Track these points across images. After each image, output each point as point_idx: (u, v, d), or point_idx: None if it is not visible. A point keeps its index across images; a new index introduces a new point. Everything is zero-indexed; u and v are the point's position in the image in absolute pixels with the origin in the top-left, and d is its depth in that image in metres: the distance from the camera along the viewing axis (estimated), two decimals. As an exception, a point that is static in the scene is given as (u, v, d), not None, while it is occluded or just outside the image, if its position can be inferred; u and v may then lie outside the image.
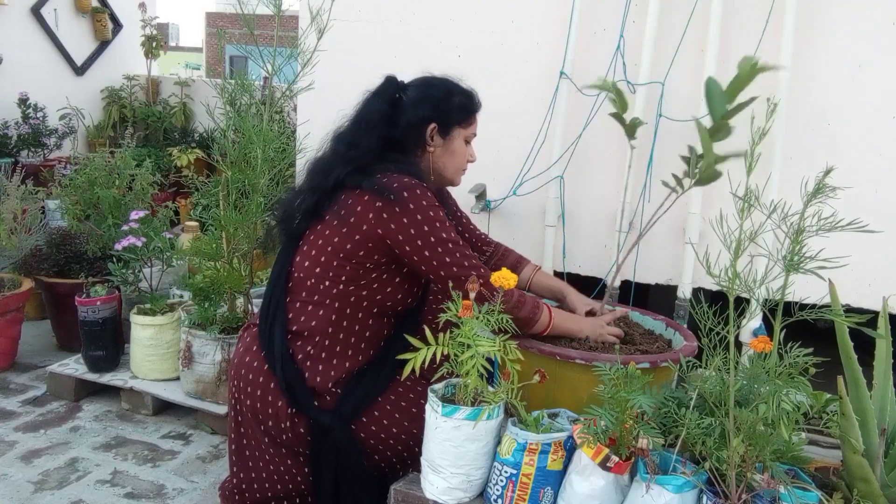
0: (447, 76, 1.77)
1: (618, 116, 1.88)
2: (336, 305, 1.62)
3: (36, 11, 4.75)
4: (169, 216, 3.12)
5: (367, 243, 1.58)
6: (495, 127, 2.61)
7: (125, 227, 2.74)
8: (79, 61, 5.08)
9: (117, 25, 5.37)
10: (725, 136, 1.57)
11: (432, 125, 1.70)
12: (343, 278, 1.61)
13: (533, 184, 2.54)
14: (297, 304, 1.65)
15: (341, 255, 1.60)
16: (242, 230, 2.35)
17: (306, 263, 1.65)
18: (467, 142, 1.78)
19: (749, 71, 1.43)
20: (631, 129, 1.87)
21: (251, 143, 2.28)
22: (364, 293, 1.63)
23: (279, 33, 2.36)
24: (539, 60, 2.52)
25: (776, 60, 2.17)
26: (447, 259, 1.56)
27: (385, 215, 1.56)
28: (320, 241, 1.63)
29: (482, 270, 1.58)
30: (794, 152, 2.23)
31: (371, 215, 1.57)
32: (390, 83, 1.72)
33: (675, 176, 1.82)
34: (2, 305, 2.76)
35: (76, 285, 2.82)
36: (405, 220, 1.55)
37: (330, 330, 1.62)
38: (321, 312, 1.62)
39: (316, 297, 1.63)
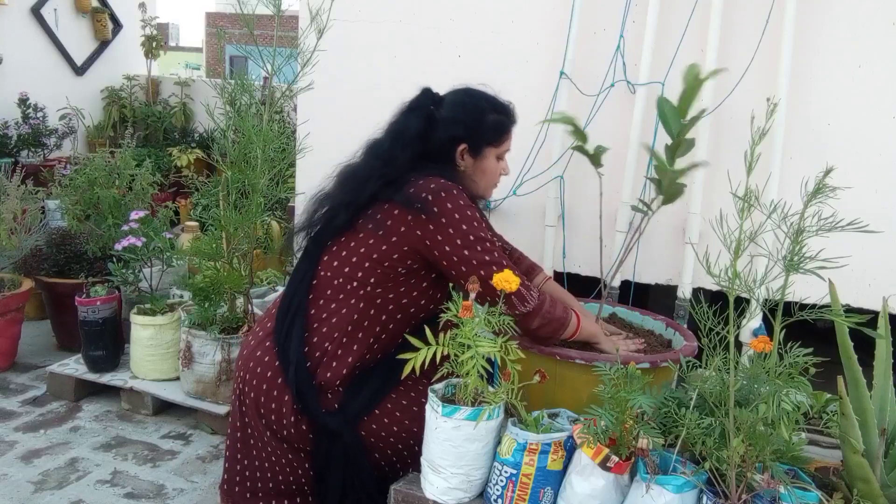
0: (484, 90, 1.74)
1: (580, 149, 1.89)
2: (361, 306, 1.61)
3: (36, 11, 4.75)
4: (169, 216, 3.12)
5: (403, 247, 1.58)
6: (495, 127, 2.61)
7: (125, 227, 2.74)
8: (79, 61, 5.08)
9: (117, 25, 5.38)
10: (686, 151, 1.59)
11: (462, 146, 1.69)
12: (372, 280, 1.61)
13: (533, 184, 2.54)
14: (321, 302, 1.65)
15: (374, 257, 1.60)
16: (242, 230, 2.35)
17: (335, 263, 1.64)
18: (500, 158, 1.76)
19: (694, 82, 1.43)
20: (595, 159, 1.88)
21: (251, 143, 2.28)
22: (391, 296, 1.63)
23: (279, 33, 2.36)
24: (539, 60, 2.52)
25: (776, 61, 2.18)
26: (486, 258, 1.56)
27: (417, 225, 1.56)
28: (353, 244, 1.63)
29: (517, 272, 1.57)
30: (794, 152, 2.23)
31: (403, 228, 1.57)
32: (426, 96, 1.72)
33: (641, 200, 1.85)
34: (2, 305, 2.76)
35: (76, 285, 2.82)
36: (432, 227, 1.55)
37: (350, 328, 1.61)
38: (344, 311, 1.62)
39: (341, 296, 1.63)
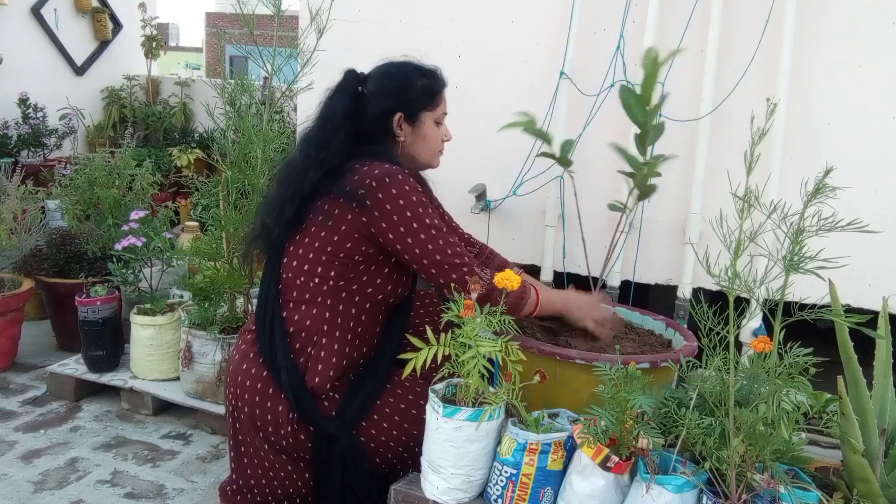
0: (407, 59, 1.73)
1: (546, 154, 1.89)
2: (329, 303, 1.62)
3: (36, 11, 4.74)
4: (169, 216, 3.12)
5: (353, 234, 1.58)
6: (495, 126, 2.61)
7: (125, 227, 2.74)
8: (79, 61, 5.08)
9: (117, 25, 5.37)
10: (656, 138, 1.57)
11: (398, 115, 1.67)
12: (332, 274, 1.61)
13: (533, 184, 2.54)
14: (291, 305, 1.65)
15: (328, 250, 1.59)
16: (242, 230, 2.35)
17: (294, 263, 1.64)
18: (438, 123, 1.74)
19: (652, 66, 1.41)
20: (563, 159, 1.87)
21: (251, 143, 2.28)
22: (354, 287, 1.62)
23: (279, 33, 2.36)
24: (539, 60, 2.51)
25: (776, 61, 2.17)
26: (430, 245, 1.55)
27: (362, 213, 1.55)
28: (307, 240, 1.63)
29: (467, 259, 1.58)
30: (794, 152, 2.23)
31: (350, 216, 1.57)
32: (350, 77, 1.70)
33: (617, 202, 1.85)
34: (2, 305, 2.76)
35: (76, 285, 2.82)
36: (377, 214, 1.55)
37: (325, 328, 1.62)
38: (315, 311, 1.62)
39: (307, 297, 1.63)
